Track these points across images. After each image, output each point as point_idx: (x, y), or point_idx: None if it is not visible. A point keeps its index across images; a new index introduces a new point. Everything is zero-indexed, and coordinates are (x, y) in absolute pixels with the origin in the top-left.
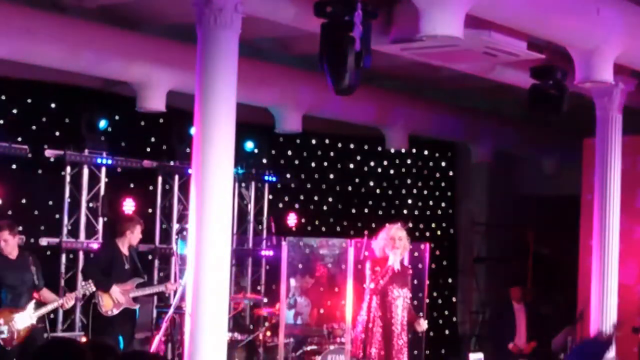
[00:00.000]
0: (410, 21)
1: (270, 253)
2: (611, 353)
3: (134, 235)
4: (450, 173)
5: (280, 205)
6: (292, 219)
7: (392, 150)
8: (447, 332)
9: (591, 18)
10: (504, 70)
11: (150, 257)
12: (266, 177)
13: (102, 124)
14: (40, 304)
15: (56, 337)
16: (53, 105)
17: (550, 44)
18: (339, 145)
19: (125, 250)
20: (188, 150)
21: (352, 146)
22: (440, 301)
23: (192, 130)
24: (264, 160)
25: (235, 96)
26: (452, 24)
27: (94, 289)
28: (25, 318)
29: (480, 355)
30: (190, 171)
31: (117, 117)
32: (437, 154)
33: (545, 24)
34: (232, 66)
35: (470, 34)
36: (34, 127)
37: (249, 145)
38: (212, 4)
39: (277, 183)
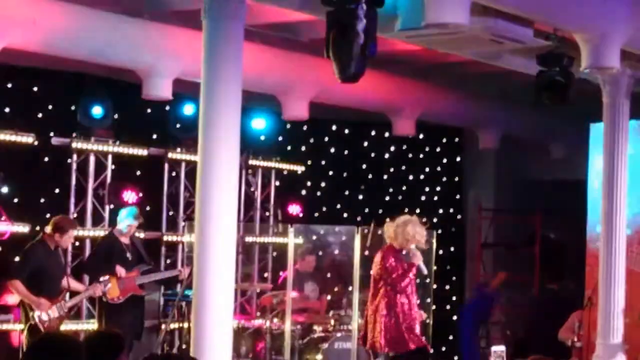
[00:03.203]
0: (417, 9)
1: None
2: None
3: (124, 224)
4: (458, 159)
5: (287, 192)
6: (298, 206)
7: (400, 136)
8: (454, 317)
9: (598, 4)
10: (510, 56)
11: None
12: (273, 164)
13: (98, 110)
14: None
15: (50, 333)
16: (59, 93)
17: (556, 31)
18: (346, 131)
19: (124, 239)
20: (195, 137)
21: (359, 132)
22: (447, 287)
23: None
24: (271, 147)
25: (241, 85)
26: (458, 11)
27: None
28: (59, 308)
29: (502, 347)
30: (196, 158)
31: (123, 105)
32: (444, 140)
33: (551, 11)
34: (237, 55)
35: (477, 21)
36: (40, 115)
37: (256, 124)
38: None
39: (284, 170)
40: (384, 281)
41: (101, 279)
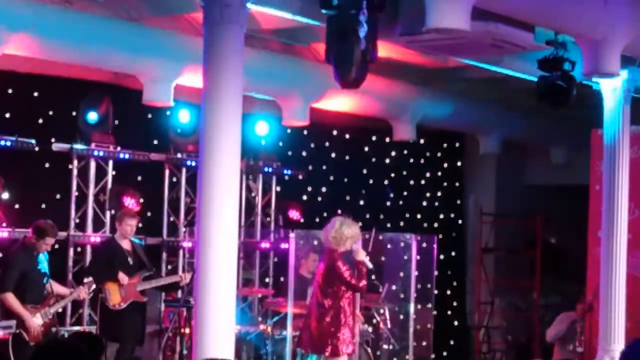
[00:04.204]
0: (417, 14)
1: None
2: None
3: (122, 228)
4: (459, 164)
5: (288, 197)
6: (299, 212)
7: (400, 142)
8: (455, 323)
9: (598, 8)
10: (511, 61)
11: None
12: (274, 170)
13: (98, 116)
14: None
15: (54, 339)
16: (60, 99)
17: (557, 36)
18: (347, 136)
19: (125, 244)
20: (195, 143)
21: (359, 138)
22: (448, 292)
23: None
24: (272, 153)
25: (242, 90)
26: (459, 16)
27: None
28: (43, 314)
29: None
30: (196, 163)
31: (124, 111)
32: (445, 145)
33: (552, 16)
34: (238, 60)
35: (477, 26)
36: (40, 121)
37: (257, 130)
38: None
39: (285, 175)
40: (343, 285)
41: (85, 280)
